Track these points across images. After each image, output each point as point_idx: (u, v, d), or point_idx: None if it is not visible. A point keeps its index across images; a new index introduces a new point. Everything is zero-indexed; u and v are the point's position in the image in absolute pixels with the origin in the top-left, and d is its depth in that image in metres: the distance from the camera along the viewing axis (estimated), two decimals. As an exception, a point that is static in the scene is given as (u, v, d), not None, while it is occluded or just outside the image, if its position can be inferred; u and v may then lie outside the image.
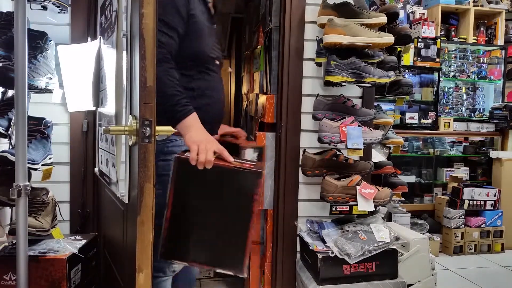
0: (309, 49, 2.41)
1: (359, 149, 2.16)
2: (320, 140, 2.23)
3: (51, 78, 2.16)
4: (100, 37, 2.27)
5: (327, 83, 2.26)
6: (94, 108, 2.37)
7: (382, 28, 2.36)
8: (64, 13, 2.43)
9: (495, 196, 4.04)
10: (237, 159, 1.57)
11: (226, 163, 1.50)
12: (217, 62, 1.88)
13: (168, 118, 1.58)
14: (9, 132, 1.94)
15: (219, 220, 1.49)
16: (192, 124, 1.58)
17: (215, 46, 1.88)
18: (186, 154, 1.49)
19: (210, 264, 1.53)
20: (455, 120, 4.43)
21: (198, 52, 1.77)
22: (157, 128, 1.28)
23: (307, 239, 2.28)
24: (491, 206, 4.04)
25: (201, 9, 1.80)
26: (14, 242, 1.87)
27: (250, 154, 1.96)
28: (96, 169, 2.36)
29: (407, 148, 4.52)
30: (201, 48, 1.78)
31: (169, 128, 1.36)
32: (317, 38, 2.35)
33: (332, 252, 2.12)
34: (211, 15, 1.89)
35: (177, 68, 1.68)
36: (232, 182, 1.48)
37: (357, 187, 2.19)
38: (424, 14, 4.54)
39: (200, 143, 1.49)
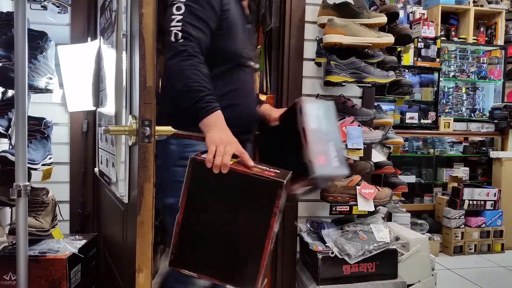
0: (309, 49, 2.41)
1: (359, 149, 2.16)
2: (320, 140, 2.22)
3: (51, 78, 2.16)
4: (100, 37, 2.27)
5: (327, 83, 2.26)
6: (94, 108, 2.37)
7: (382, 28, 2.36)
8: (64, 13, 2.43)
9: (495, 196, 4.05)
10: (261, 165, 1.41)
11: (244, 169, 1.35)
12: (250, 64, 1.76)
13: (191, 116, 1.50)
14: (9, 132, 1.94)
15: (234, 231, 1.35)
16: (215, 122, 1.46)
17: (249, 46, 1.76)
18: (202, 156, 1.37)
19: (221, 278, 1.37)
20: (455, 120, 4.43)
21: (230, 50, 1.67)
22: (157, 128, 1.28)
23: (307, 239, 2.28)
24: (491, 206, 4.04)
25: (235, 7, 1.70)
26: (14, 242, 1.87)
27: (313, 110, 1.64)
28: (96, 169, 2.36)
29: (407, 148, 4.52)
30: (233, 46, 1.67)
31: (169, 128, 1.35)
32: (317, 38, 2.35)
33: (332, 252, 2.12)
34: (245, 14, 1.79)
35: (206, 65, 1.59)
36: (249, 190, 1.33)
37: (357, 187, 2.19)
38: (424, 14, 4.54)
39: (219, 144, 1.38)
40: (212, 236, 1.36)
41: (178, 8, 1.50)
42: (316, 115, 1.61)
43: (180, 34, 1.48)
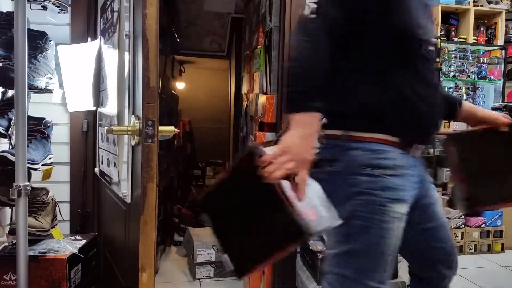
0: (310, 49, 2.41)
1: (360, 149, 2.15)
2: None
3: (51, 78, 2.16)
4: (100, 37, 2.26)
5: (328, 83, 2.25)
6: (94, 108, 2.37)
7: (382, 28, 2.36)
8: (64, 13, 2.43)
9: (494, 196, 4.04)
10: (318, 198, 1.19)
11: (287, 197, 1.13)
12: (430, 48, 1.37)
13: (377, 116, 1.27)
14: (9, 132, 1.94)
15: (250, 229, 1.26)
16: (302, 123, 1.17)
17: (428, 26, 1.37)
18: (264, 149, 1.18)
19: (224, 247, 1.33)
20: (455, 120, 4.43)
21: (399, 28, 1.29)
22: (160, 128, 1.27)
23: (308, 239, 2.28)
24: (491, 206, 4.04)
25: None
26: (14, 242, 1.87)
27: None
28: (96, 169, 2.36)
29: (407, 148, 4.51)
30: (403, 23, 1.29)
31: (172, 128, 1.34)
32: (318, 38, 2.34)
33: (333, 252, 2.11)
34: None
35: (358, 54, 1.30)
36: (277, 214, 1.17)
37: (358, 187, 2.19)
38: (423, 14, 4.53)
39: (285, 152, 1.13)
40: (232, 214, 1.31)
41: None
42: None
43: (313, 8, 1.22)
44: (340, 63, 1.27)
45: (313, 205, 1.15)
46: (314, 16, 1.21)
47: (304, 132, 1.17)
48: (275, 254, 1.22)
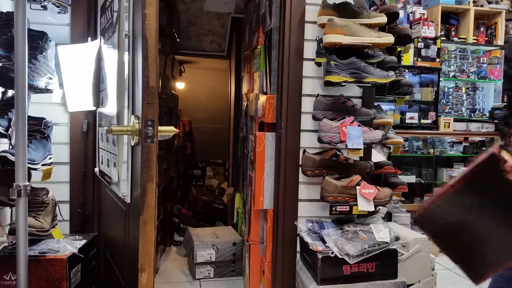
0: (309, 49, 2.41)
1: (359, 149, 2.16)
2: (320, 140, 2.22)
3: (51, 78, 2.16)
4: (100, 37, 2.27)
5: (327, 83, 2.25)
6: (94, 108, 2.37)
7: (382, 28, 2.36)
8: (64, 13, 2.43)
9: (494, 196, 4.04)
10: None
11: None
12: None
13: None
14: (9, 132, 1.94)
15: (490, 230, 1.39)
16: None
17: None
18: (503, 155, 1.34)
19: (454, 257, 1.45)
20: (455, 120, 4.43)
21: None
22: (160, 128, 1.27)
23: (307, 239, 2.28)
24: (491, 206, 4.03)
25: None
26: (14, 242, 1.87)
27: None
28: (96, 169, 2.36)
29: (407, 148, 4.52)
30: None
31: (172, 128, 1.34)
32: (317, 38, 2.34)
33: (332, 252, 2.12)
34: None
35: None
36: None
37: (357, 187, 2.19)
38: (424, 14, 4.54)
39: None
40: (466, 222, 1.40)
41: None
42: None
43: None
44: None
45: None
46: None
47: None
48: None
